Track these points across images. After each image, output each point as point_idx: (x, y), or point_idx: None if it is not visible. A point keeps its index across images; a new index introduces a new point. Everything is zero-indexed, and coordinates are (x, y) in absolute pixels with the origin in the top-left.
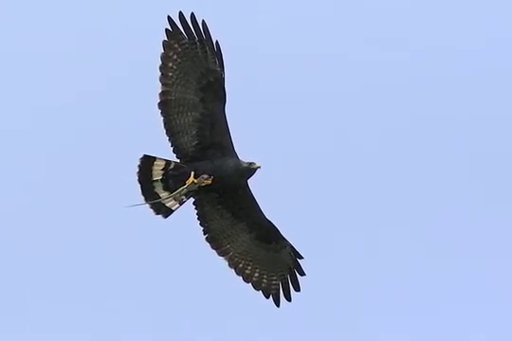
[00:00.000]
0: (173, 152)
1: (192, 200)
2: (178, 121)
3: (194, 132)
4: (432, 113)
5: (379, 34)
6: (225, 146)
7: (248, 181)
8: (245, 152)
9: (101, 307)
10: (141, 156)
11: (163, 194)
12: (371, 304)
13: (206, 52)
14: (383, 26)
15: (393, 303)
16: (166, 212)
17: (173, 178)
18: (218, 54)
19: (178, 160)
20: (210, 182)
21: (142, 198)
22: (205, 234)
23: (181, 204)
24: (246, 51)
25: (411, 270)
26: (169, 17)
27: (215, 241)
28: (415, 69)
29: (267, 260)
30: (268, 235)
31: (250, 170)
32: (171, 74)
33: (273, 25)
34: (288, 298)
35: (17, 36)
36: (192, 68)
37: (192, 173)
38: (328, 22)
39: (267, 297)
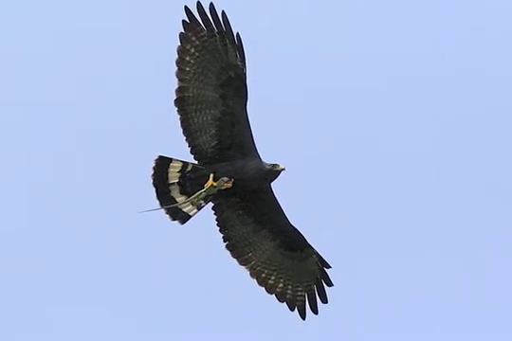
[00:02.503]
0: (191, 152)
1: (210, 205)
2: (196, 120)
3: (214, 131)
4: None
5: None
6: (246, 146)
7: (272, 184)
8: (267, 154)
9: (115, 314)
10: (156, 157)
11: (180, 198)
12: (402, 316)
13: (226, 45)
14: (393, 22)
15: (426, 315)
16: (183, 218)
17: (191, 181)
18: (239, 47)
19: (196, 162)
20: (230, 185)
21: (157, 202)
22: (225, 241)
23: (199, 209)
24: (268, 46)
25: (445, 279)
26: (186, 7)
27: (236, 248)
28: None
29: (292, 270)
30: (293, 242)
31: (274, 172)
32: (188, 69)
33: (297, 19)
34: (315, 311)
35: (27, 33)
36: (212, 63)
37: (212, 176)
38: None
39: (292, 310)
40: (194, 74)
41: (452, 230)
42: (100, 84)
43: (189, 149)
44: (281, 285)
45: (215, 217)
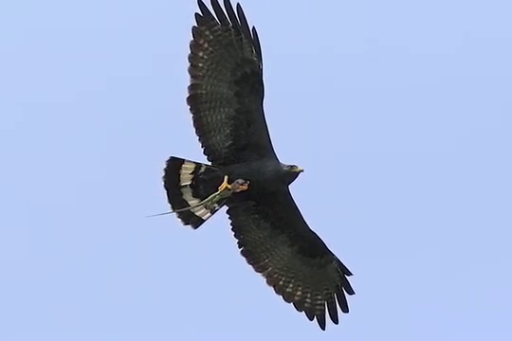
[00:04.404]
0: (204, 153)
1: (225, 208)
2: (210, 118)
3: (228, 130)
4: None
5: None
6: (262, 147)
7: (289, 187)
8: (285, 154)
9: (124, 318)
10: (168, 158)
11: (192, 202)
12: (426, 326)
13: (241, 40)
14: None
15: (452, 324)
16: (196, 222)
17: (204, 183)
18: (255, 42)
19: (210, 163)
20: (245, 187)
21: (169, 206)
22: (240, 247)
23: (213, 212)
24: (286, 41)
25: (473, 286)
26: (199, 0)
27: (252, 254)
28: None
29: (311, 277)
30: (312, 248)
31: (292, 173)
32: (201, 65)
33: (316, 14)
34: (335, 320)
35: (27, 33)
36: (226, 58)
37: (226, 178)
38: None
39: (311, 319)
40: (208, 70)
41: (479, 237)
42: (113, 81)
43: (202, 149)
44: (299, 293)
45: (230, 221)
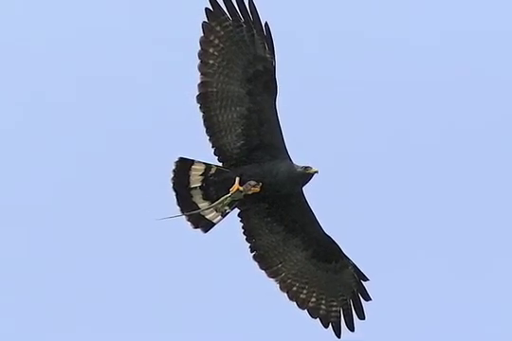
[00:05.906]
0: (215, 154)
1: (236, 211)
2: (221, 118)
3: (240, 130)
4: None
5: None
6: (275, 147)
7: (303, 188)
8: (299, 155)
9: (131, 323)
10: (177, 159)
11: (203, 204)
12: (445, 333)
13: (253, 36)
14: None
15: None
16: (206, 225)
17: (215, 185)
18: (268, 38)
19: (220, 164)
20: (258, 189)
21: (178, 209)
22: (252, 251)
23: (224, 215)
24: (300, 36)
25: (494, 292)
26: None
27: (264, 259)
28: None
29: (326, 283)
30: (327, 253)
31: (306, 175)
32: (212, 62)
33: (324, 8)
34: (351, 328)
35: (27, 32)
36: (237, 55)
37: (237, 179)
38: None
39: (326, 326)
40: (219, 67)
41: (498, 243)
42: (113, 81)
43: (212, 149)
44: (313, 300)
45: (241, 225)
